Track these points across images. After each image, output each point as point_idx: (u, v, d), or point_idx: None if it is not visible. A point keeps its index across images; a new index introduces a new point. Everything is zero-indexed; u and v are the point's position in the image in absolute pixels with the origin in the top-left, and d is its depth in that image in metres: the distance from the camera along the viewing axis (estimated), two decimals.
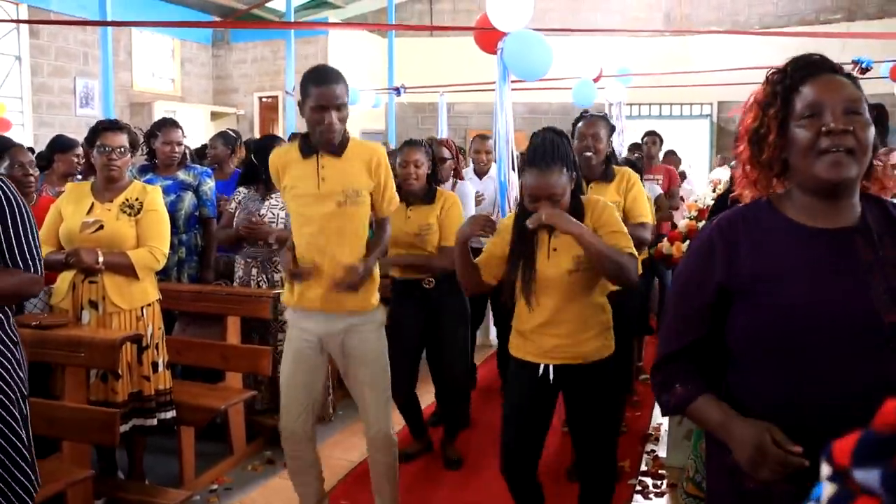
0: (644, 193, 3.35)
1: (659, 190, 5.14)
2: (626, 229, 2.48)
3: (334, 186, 2.65)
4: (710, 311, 1.43)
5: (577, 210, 2.41)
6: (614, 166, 3.36)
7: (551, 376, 2.46)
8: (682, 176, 8.85)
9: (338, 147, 2.68)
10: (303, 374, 2.78)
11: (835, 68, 1.40)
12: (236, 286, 3.85)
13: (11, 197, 2.05)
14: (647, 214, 3.31)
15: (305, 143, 2.71)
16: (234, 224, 3.81)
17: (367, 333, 2.77)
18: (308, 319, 2.76)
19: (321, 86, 2.59)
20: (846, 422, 1.24)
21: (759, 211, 1.43)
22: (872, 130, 1.33)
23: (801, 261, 1.35)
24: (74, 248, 2.99)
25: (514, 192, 4.19)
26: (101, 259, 2.99)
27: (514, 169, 4.29)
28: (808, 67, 1.38)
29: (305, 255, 2.69)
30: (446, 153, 4.13)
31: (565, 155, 2.36)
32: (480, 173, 4.93)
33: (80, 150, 4.19)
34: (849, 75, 1.40)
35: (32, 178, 3.35)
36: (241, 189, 3.96)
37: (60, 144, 4.32)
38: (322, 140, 2.64)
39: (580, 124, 3.33)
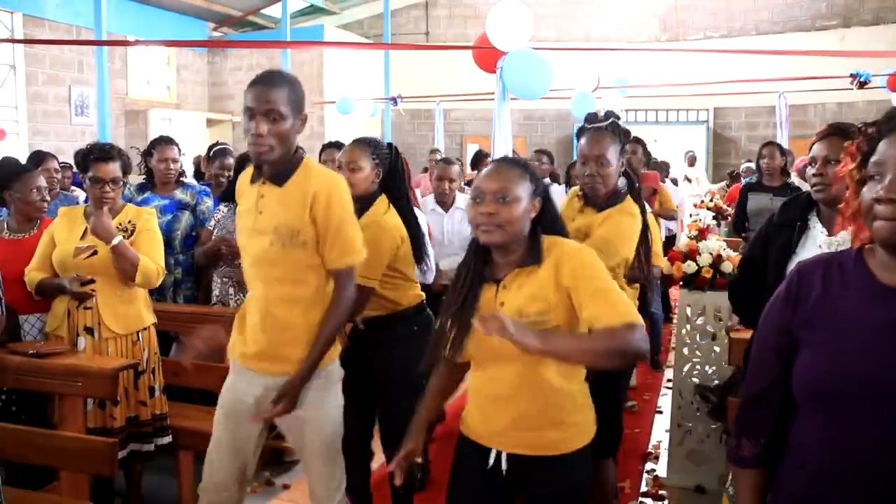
0: (626, 229, 2.62)
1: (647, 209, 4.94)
2: (613, 283, 1.80)
3: (268, 222, 2.19)
4: (780, 354, 1.44)
5: (532, 253, 1.84)
6: (629, 196, 2.67)
7: (504, 466, 1.89)
8: (675, 183, 8.85)
9: (279, 172, 2.20)
10: (231, 434, 2.33)
11: None
12: (216, 307, 3.80)
13: None
14: (616, 252, 2.54)
15: (256, 167, 2.29)
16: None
17: (313, 393, 2.25)
18: (242, 377, 2.32)
19: (255, 86, 2.15)
20: (887, 487, 1.25)
21: (846, 260, 1.40)
22: None
23: (864, 316, 1.32)
24: (94, 222, 2.97)
25: None
26: (115, 241, 2.97)
27: None
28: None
29: (247, 303, 2.33)
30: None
31: (533, 171, 1.90)
32: (444, 204, 4.17)
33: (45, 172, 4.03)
34: None
35: (46, 204, 3.31)
36: (221, 207, 3.90)
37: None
38: (254, 159, 2.22)
39: (582, 141, 2.65)
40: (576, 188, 2.84)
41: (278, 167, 2.20)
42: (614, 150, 2.59)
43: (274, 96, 2.12)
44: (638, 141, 5.29)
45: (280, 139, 2.15)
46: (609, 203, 2.63)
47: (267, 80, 2.16)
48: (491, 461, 1.90)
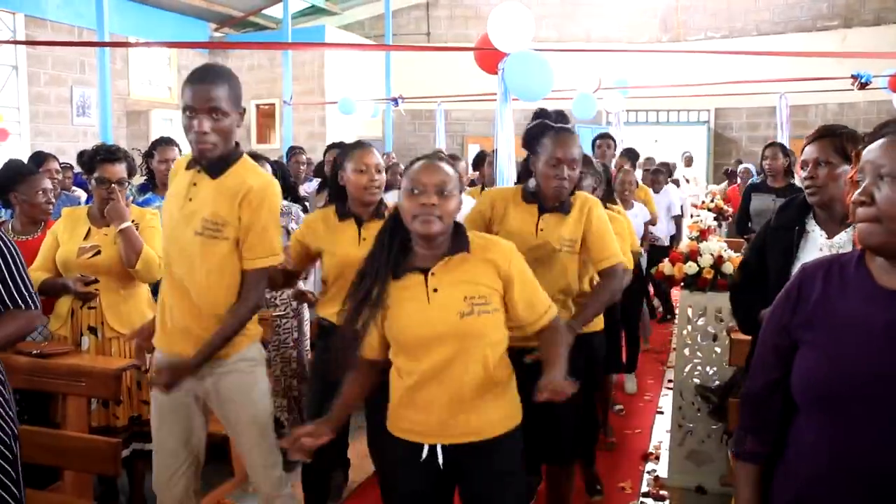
0: (608, 223, 2.63)
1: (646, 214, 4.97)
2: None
3: (195, 211, 2.19)
4: (780, 354, 1.45)
5: (459, 242, 1.91)
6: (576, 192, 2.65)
7: (440, 459, 1.91)
8: (677, 184, 8.85)
9: (216, 165, 2.20)
10: (170, 430, 2.34)
11: None
12: None
13: (1, 241, 2.03)
14: (618, 252, 2.58)
15: (194, 156, 2.26)
16: None
17: (237, 377, 2.29)
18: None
19: (194, 84, 2.13)
20: (884, 489, 1.25)
21: (847, 262, 1.42)
22: None
23: (863, 317, 1.33)
24: (111, 204, 3.02)
25: None
26: (125, 225, 3.01)
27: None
28: (887, 127, 1.35)
29: (166, 288, 2.30)
30: None
31: (458, 170, 2.00)
32: None
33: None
34: None
35: (51, 206, 3.35)
36: None
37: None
38: (195, 153, 2.21)
39: (550, 142, 2.51)
40: (509, 189, 2.81)
41: (216, 161, 2.21)
42: (579, 150, 2.56)
43: (215, 93, 2.12)
44: (609, 136, 5.31)
45: (223, 136, 2.16)
46: (567, 204, 2.59)
47: (206, 77, 2.15)
48: (424, 454, 1.90)
